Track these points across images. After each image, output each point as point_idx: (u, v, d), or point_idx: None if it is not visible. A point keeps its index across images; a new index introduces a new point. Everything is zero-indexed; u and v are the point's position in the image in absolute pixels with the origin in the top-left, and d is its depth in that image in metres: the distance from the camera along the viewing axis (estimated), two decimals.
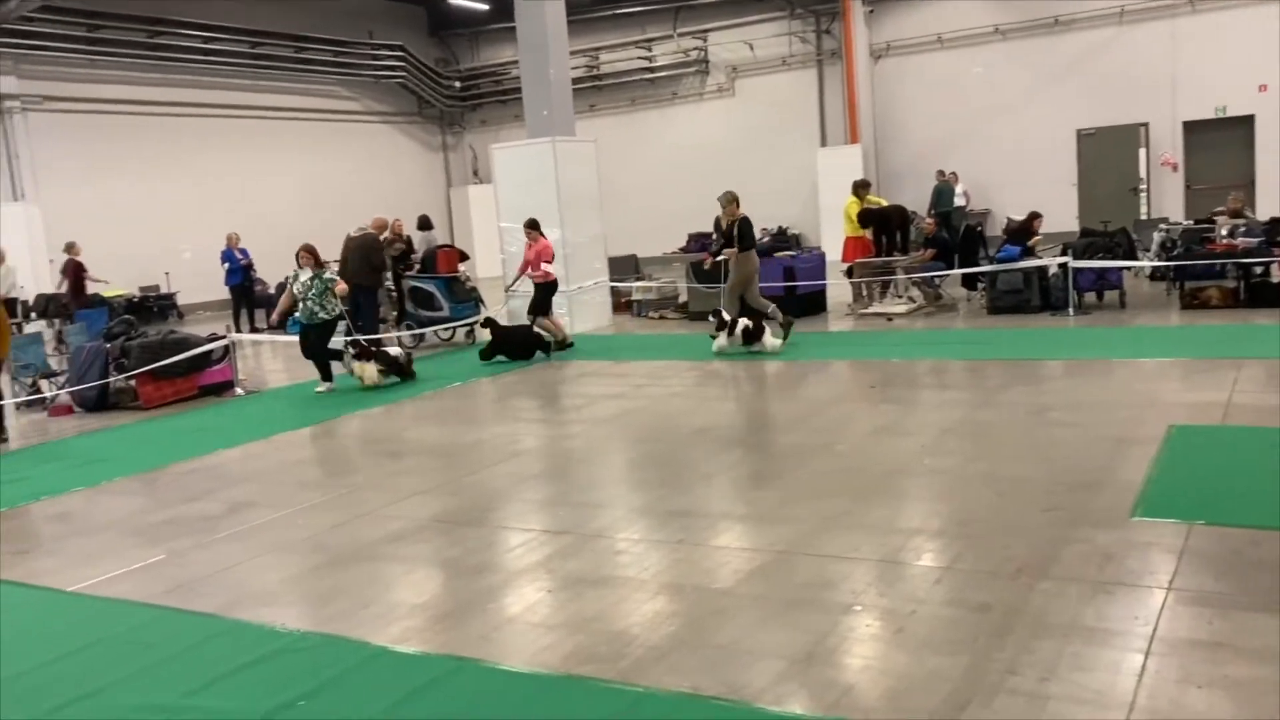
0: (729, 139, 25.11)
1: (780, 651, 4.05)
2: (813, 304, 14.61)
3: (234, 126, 23.75)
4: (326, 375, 11.42)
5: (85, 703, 4.08)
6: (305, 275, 11.15)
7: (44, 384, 11.71)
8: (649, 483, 6.96)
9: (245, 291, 18.82)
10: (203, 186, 22.84)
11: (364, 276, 13.70)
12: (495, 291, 15.97)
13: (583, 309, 14.90)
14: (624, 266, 17.58)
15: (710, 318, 11.93)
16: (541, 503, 6.63)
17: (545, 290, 13.28)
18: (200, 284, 21.59)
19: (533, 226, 13.22)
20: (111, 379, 11.13)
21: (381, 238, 14.32)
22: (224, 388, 11.73)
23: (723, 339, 11.61)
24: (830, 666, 3.90)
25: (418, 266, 15.13)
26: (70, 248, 17.50)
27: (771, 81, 24.91)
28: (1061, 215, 19.58)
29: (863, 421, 8.09)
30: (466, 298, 14.60)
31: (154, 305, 21.30)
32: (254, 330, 17.83)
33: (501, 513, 6.42)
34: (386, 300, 14.73)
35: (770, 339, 11.54)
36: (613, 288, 15.93)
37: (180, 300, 21.79)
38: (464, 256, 15.40)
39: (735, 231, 12.05)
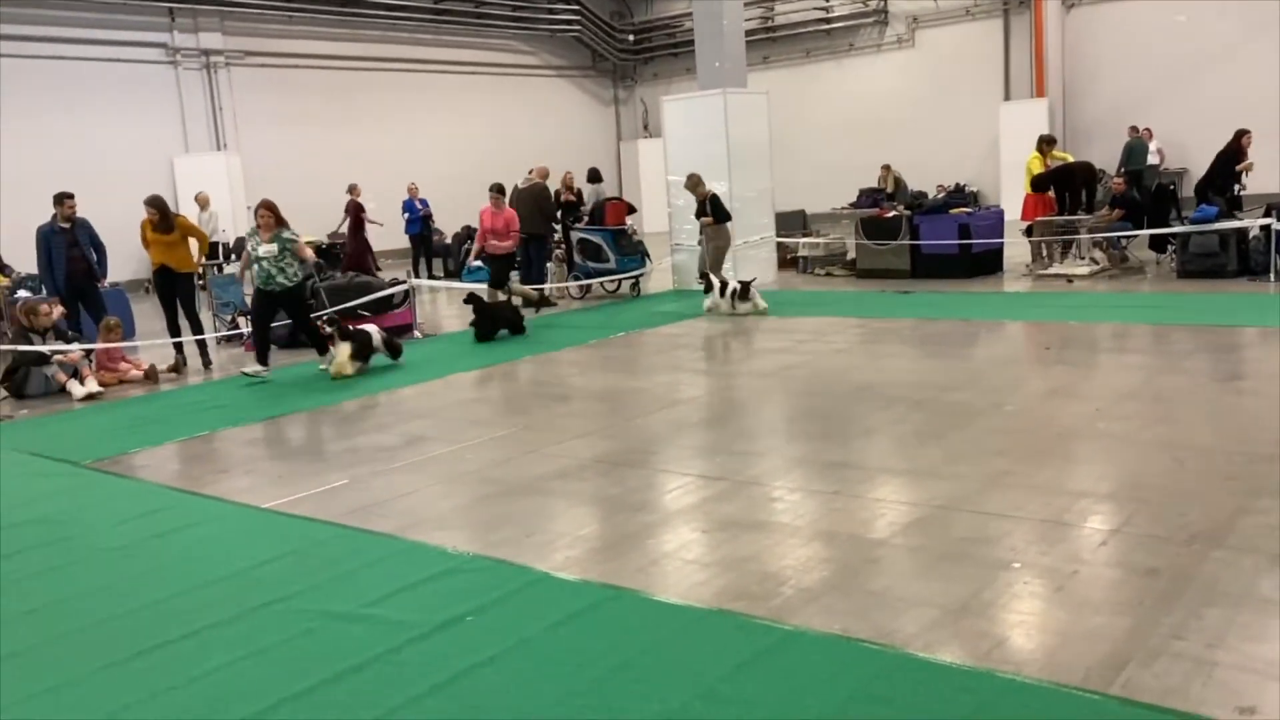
0: (906, 92, 24.39)
1: (933, 601, 4.03)
2: (988, 263, 14.14)
3: (415, 80, 24.63)
4: (263, 356, 10.12)
5: (277, 605, 4.44)
6: (263, 238, 10.01)
7: (241, 321, 12.56)
8: (808, 435, 6.97)
9: (424, 240, 19.62)
10: (385, 139, 23.82)
11: (536, 225, 14.11)
12: (661, 245, 16.13)
13: (748, 264, 14.84)
14: (792, 222, 17.42)
15: (699, 280, 12.85)
16: (700, 449, 6.73)
17: (505, 262, 13.05)
18: (381, 233, 22.57)
19: (499, 192, 12.98)
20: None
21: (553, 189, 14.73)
22: (403, 330, 12.30)
23: (711, 299, 12.30)
24: (984, 619, 3.86)
25: (586, 218, 15.41)
26: (352, 189, 18.50)
27: (954, 32, 23.99)
28: (1269, 176, 18.20)
29: (1035, 383, 7.83)
30: (633, 250, 14.79)
31: (339, 252, 22.40)
32: (432, 277, 18.59)
33: (661, 456, 6.56)
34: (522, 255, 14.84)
35: (759, 299, 12.18)
36: (779, 243, 15.81)
37: None
38: (632, 209, 15.57)
39: (709, 207, 13.11)
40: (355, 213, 18.11)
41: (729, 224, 13.42)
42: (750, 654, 3.73)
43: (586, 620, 4.12)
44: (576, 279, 14.79)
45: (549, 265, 15.24)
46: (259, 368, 9.98)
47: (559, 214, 15.74)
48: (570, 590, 4.42)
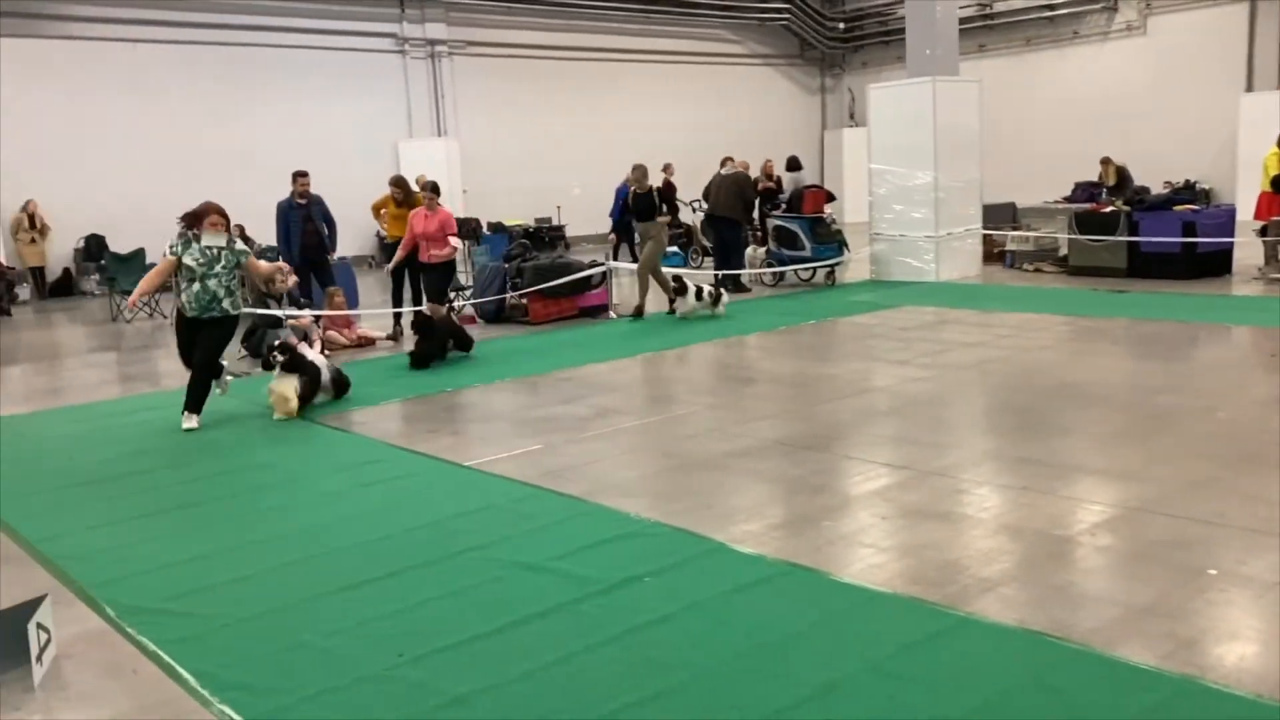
0: (1134, 82, 23.02)
1: (1116, 599, 3.92)
2: (1215, 264, 13.25)
3: (626, 70, 25.18)
4: (196, 402, 7.68)
5: (473, 553, 4.78)
6: (206, 243, 7.55)
7: (453, 295, 13.27)
8: (1000, 429, 6.82)
9: (627, 227, 20.04)
10: (593, 127, 24.48)
11: (736, 212, 14.26)
12: (860, 235, 15.93)
13: (951, 256, 14.50)
14: (1000, 215, 16.83)
15: (672, 284, 11.91)
16: (886, 438, 6.70)
17: (448, 271, 11.25)
18: (586, 218, 23.27)
19: (434, 191, 11.14)
20: (507, 295, 12.43)
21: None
22: (599, 310, 12.70)
23: (686, 303, 11.69)
24: (1170, 620, 3.73)
25: (784, 206, 15.40)
26: (666, 168, 19.19)
27: (1191, 19, 22.46)
28: None
29: (1254, 389, 7.35)
30: (830, 239, 14.69)
31: (546, 235, 23.23)
32: (634, 260, 18.96)
33: (845, 442, 6.57)
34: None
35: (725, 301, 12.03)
36: (985, 236, 15.32)
37: (568, 232, 23.62)
38: (831, 198, 15.45)
39: (657, 199, 12.23)
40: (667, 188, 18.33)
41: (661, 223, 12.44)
42: (921, 636, 3.75)
43: (760, 590, 4.23)
44: (770, 266, 14.82)
45: (747, 251, 15.34)
46: (193, 420, 7.61)
47: (757, 201, 15.81)
48: (746, 561, 4.54)
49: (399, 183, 11.92)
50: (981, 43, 25.24)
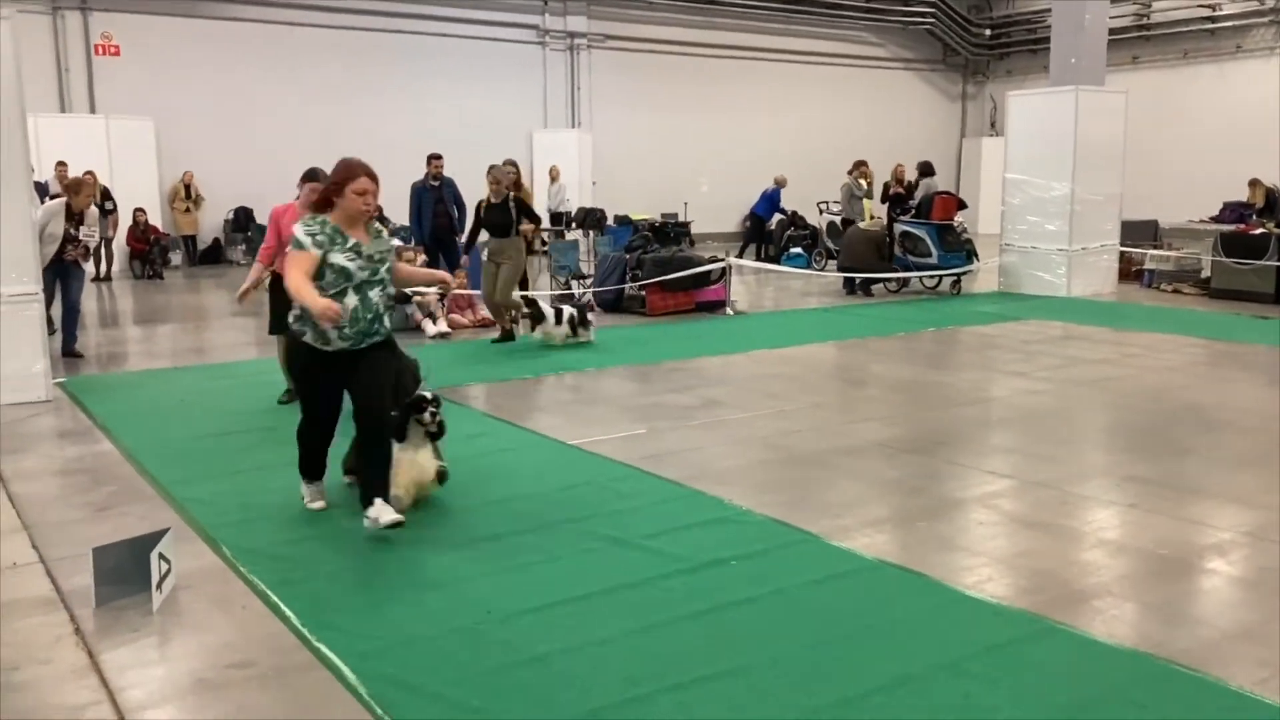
0: None
1: (1215, 622, 3.81)
2: None
3: (761, 69, 25.08)
4: (320, 468, 5.19)
5: (569, 525, 4.91)
6: (372, 239, 4.82)
7: (574, 284, 13.53)
8: (1115, 447, 6.63)
9: (761, 224, 20.10)
10: (726, 125, 24.48)
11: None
12: (992, 246, 15.55)
13: (1084, 271, 14.03)
14: (1141, 232, 16.20)
15: (525, 309, 9.98)
16: (994, 446, 6.59)
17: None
18: (713, 216, 23.31)
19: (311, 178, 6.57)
20: (627, 285, 12.60)
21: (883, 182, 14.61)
22: (717, 306, 12.75)
23: (545, 328, 9.93)
24: (1270, 648, 3.59)
25: (913, 211, 15.15)
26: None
27: None
28: None
29: None
30: (958, 247, 14.39)
31: (671, 230, 23.36)
32: (761, 258, 18.95)
33: (951, 449, 6.47)
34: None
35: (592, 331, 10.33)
36: (1122, 253, 14.78)
37: (694, 229, 23.70)
38: (962, 205, 15.11)
39: (514, 211, 10.06)
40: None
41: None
42: (1005, 639, 3.71)
43: (844, 583, 4.24)
44: (894, 270, 14.61)
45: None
46: (318, 499, 5.18)
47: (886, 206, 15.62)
48: (833, 554, 4.55)
49: (513, 164, 12.23)
50: (1135, 54, 24.26)
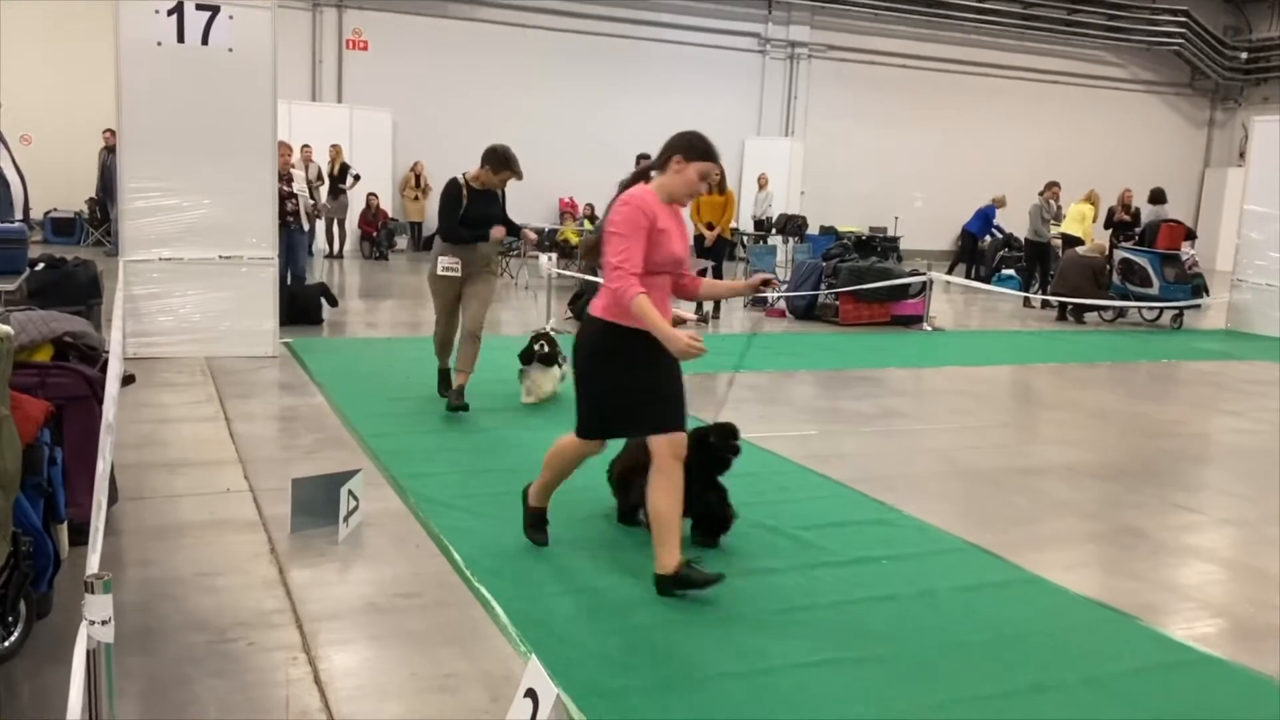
0: None
1: None
2: None
3: (991, 85, 24.34)
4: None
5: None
6: None
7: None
8: None
9: (973, 242, 19.55)
10: (944, 141, 23.88)
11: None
12: (1225, 284, 14.54)
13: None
14: None
15: (535, 348, 7.14)
16: (1184, 480, 6.26)
17: None
18: (925, 232, 22.79)
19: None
20: (821, 293, 12.58)
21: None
22: (914, 321, 12.53)
23: (528, 377, 7.20)
24: None
25: (1137, 239, 14.38)
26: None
27: None
28: None
29: None
30: (1183, 280, 13.54)
31: (878, 244, 22.96)
32: (972, 277, 18.37)
33: (1135, 477, 6.17)
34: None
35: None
36: None
37: (903, 245, 23.24)
38: (1190, 235, 14.22)
39: (503, 202, 6.85)
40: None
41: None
42: (1153, 663, 3.60)
43: (994, 593, 4.18)
44: (1110, 298, 13.90)
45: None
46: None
47: (1110, 233, 14.90)
48: (986, 563, 4.49)
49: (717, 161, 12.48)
50: None
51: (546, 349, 7.16)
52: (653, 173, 4.09)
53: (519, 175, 6.59)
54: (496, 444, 6.15)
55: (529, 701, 2.65)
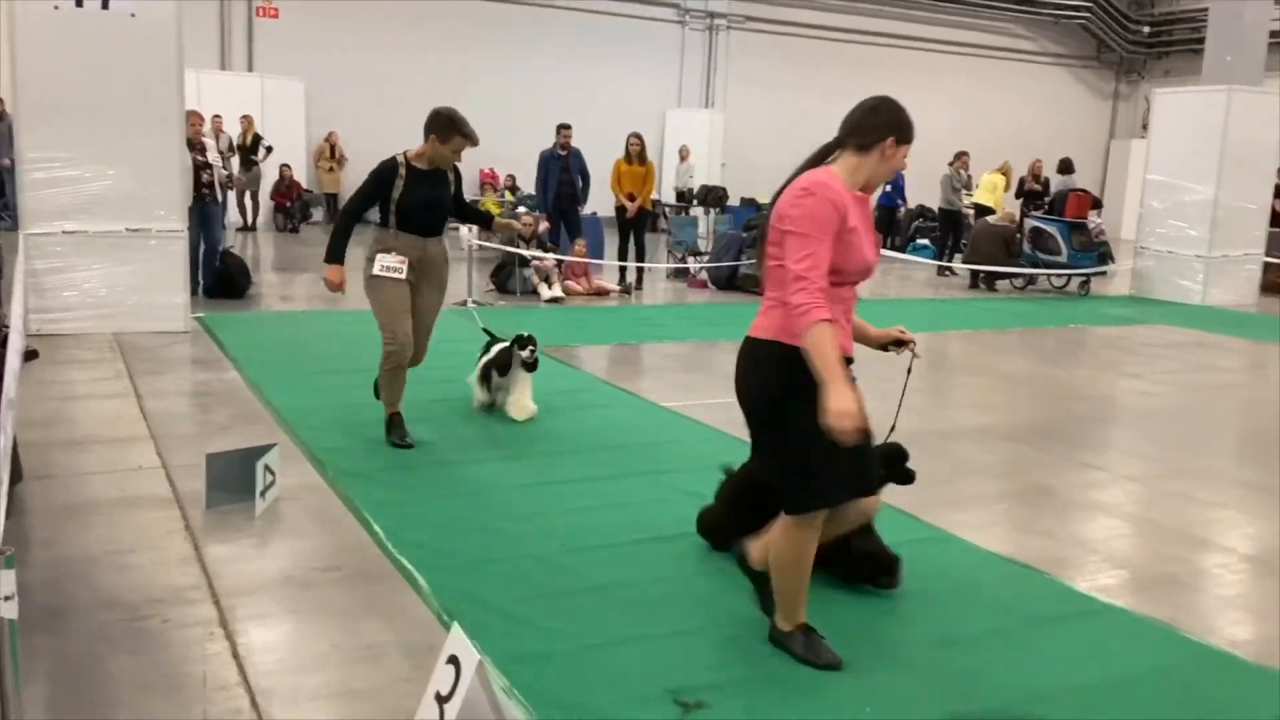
0: None
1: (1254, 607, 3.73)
2: None
3: (902, 57, 24.63)
4: None
5: (647, 476, 5.09)
6: None
7: (690, 260, 13.68)
8: (1220, 452, 6.42)
9: (890, 214, 19.83)
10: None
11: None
12: (1130, 252, 15.02)
13: (1223, 280, 13.43)
14: None
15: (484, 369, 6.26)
16: (1089, 440, 6.47)
17: None
18: None
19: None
20: (742, 263, 12.67)
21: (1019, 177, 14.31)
22: None
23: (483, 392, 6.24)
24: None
25: (1046, 208, 14.77)
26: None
27: None
28: None
29: None
30: (1090, 247, 13.95)
31: None
32: (888, 246, 18.63)
33: (1048, 440, 6.38)
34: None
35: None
36: (1267, 264, 14.07)
37: None
38: (1097, 204, 14.65)
39: (453, 184, 5.58)
40: None
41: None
42: (1058, 614, 3.75)
43: (908, 550, 4.19)
44: (1022, 266, 14.26)
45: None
46: None
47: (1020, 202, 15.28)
48: (901, 522, 4.56)
49: (639, 136, 12.58)
50: None
51: (532, 354, 5.98)
52: (838, 152, 3.23)
53: (473, 140, 5.35)
54: (418, 416, 6.07)
55: (451, 668, 2.65)
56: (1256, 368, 9.11)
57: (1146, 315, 12.14)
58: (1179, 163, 13.55)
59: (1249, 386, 8.27)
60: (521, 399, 6.08)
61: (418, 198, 5.31)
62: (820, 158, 3.25)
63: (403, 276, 5.30)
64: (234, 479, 4.40)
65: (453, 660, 2.65)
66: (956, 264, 15.36)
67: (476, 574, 3.83)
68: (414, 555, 3.95)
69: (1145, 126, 26.78)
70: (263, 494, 4.38)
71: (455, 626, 2.76)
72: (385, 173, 5.32)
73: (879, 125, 3.21)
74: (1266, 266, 14.06)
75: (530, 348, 6.00)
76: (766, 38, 23.33)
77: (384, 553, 4.01)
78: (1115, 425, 6.97)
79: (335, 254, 5.28)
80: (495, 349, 6.22)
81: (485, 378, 6.17)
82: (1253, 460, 6.11)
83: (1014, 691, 3.16)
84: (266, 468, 4.41)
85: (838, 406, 2.85)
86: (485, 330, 6.58)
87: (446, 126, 5.29)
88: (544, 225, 12.12)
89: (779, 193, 3.19)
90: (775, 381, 3.11)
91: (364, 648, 3.26)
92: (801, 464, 3.09)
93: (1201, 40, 24.82)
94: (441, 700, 2.62)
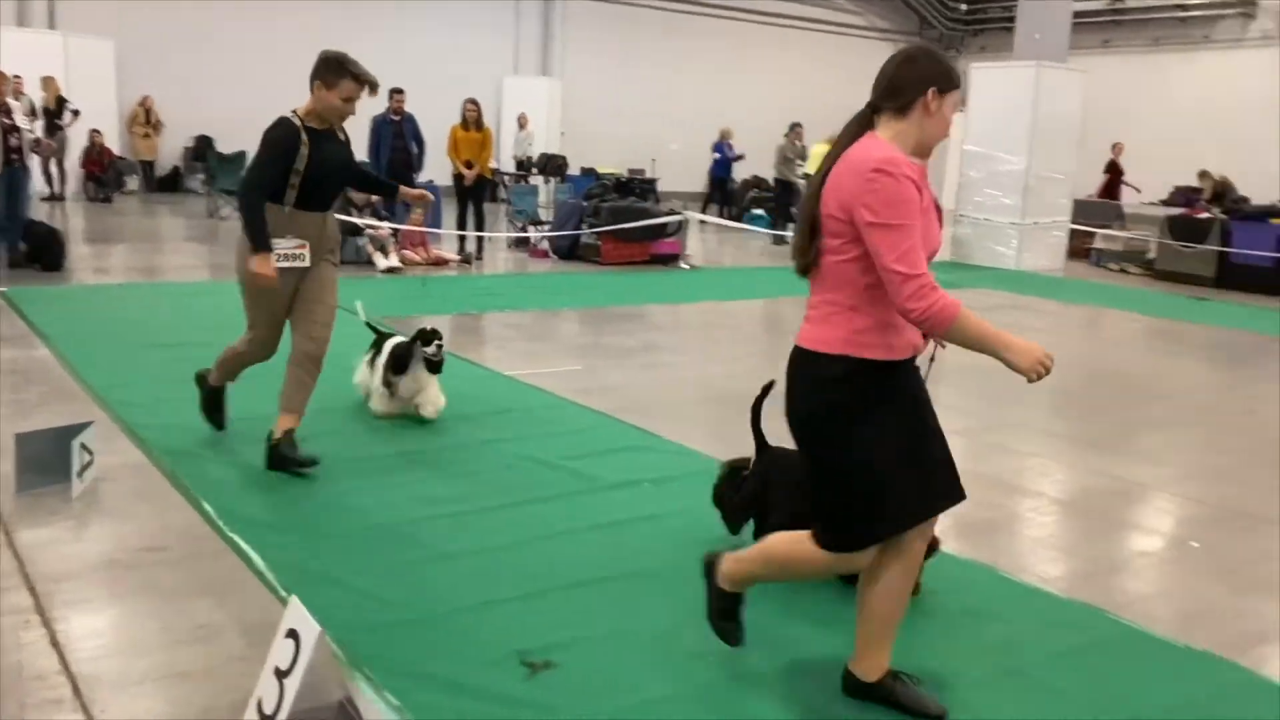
0: (1266, 94, 22.01)
1: (1062, 545, 4.01)
2: None
3: (737, 29, 25.03)
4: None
5: (494, 444, 5.06)
6: None
7: (531, 229, 13.59)
8: (1033, 404, 6.84)
9: (723, 184, 20.21)
10: (697, 84, 24.44)
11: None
12: (946, 219, 15.72)
13: (1035, 246, 14.27)
14: (1098, 212, 16.45)
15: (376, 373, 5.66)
16: None
17: None
18: (680, 174, 23.27)
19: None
20: (582, 232, 12.67)
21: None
22: (672, 259, 12.86)
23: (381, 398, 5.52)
24: (1123, 581, 3.82)
25: None
26: (1115, 148, 18.83)
27: None
28: None
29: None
30: None
31: (636, 187, 23.29)
32: (725, 216, 19.00)
33: None
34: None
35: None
36: (1075, 231, 15.03)
37: (660, 187, 23.68)
38: None
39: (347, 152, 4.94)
40: (1113, 173, 18.11)
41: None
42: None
43: None
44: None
45: None
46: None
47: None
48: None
49: (475, 102, 12.48)
50: (1107, 38, 24.47)
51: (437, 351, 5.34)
52: (878, 117, 2.82)
53: (367, 82, 4.62)
54: (244, 391, 5.84)
55: (291, 642, 2.58)
56: (1063, 328, 9.74)
57: (965, 280, 12.76)
58: (994, 134, 14.30)
59: (1057, 346, 8.75)
60: (431, 392, 5.40)
61: (323, 166, 4.49)
62: (859, 129, 2.81)
63: (306, 264, 4.50)
64: (47, 460, 4.13)
65: (292, 634, 2.58)
66: (790, 233, 15.76)
67: (315, 548, 3.72)
68: (247, 532, 3.80)
69: (964, 102, 28.26)
70: (80, 474, 4.13)
71: (294, 599, 2.68)
72: (287, 138, 4.40)
73: (916, 78, 2.78)
74: (1073, 233, 15.01)
75: (436, 343, 5.30)
76: (605, 7, 23.25)
77: (215, 531, 3.85)
78: (938, 383, 7.29)
79: (262, 242, 4.36)
80: (388, 346, 5.48)
81: (388, 383, 5.39)
82: (1061, 413, 6.54)
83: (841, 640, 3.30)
84: (83, 446, 4.16)
85: (1030, 358, 2.65)
86: (369, 325, 5.87)
87: (337, 70, 4.47)
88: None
89: (824, 173, 2.73)
90: (847, 401, 2.70)
91: (196, 628, 3.14)
92: (871, 489, 2.71)
93: (1013, 19, 26.30)
94: (281, 675, 2.55)
